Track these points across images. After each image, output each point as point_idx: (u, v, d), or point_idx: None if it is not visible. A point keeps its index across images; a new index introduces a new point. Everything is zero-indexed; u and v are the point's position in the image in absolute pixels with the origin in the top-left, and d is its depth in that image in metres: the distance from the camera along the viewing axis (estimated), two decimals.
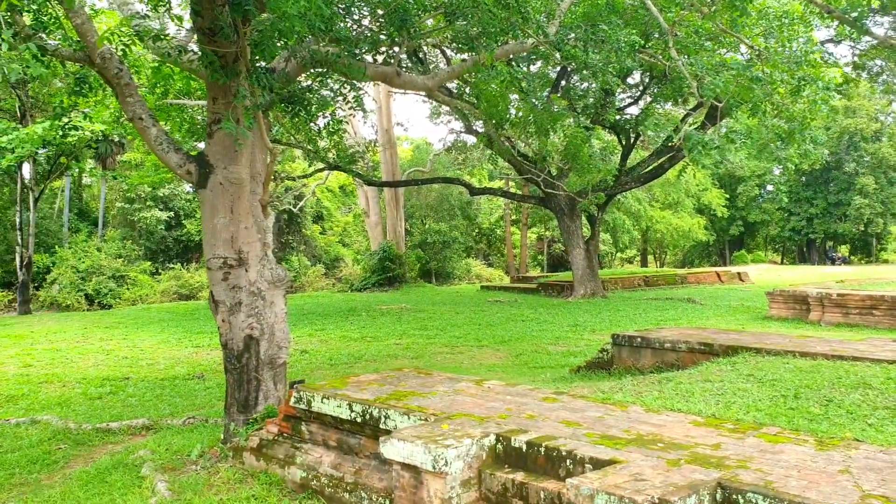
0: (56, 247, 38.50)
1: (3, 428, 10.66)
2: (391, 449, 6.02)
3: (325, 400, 7.56)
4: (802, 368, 9.03)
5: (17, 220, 32.69)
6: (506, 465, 6.07)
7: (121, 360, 16.51)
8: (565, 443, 5.92)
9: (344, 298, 31.67)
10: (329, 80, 11.25)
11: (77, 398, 12.69)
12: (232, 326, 8.90)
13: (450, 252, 41.36)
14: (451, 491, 5.81)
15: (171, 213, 41.53)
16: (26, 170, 33.27)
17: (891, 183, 57.43)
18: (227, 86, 8.60)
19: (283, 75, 9.48)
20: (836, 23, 11.95)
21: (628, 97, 31.58)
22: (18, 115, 31.36)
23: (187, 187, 40.63)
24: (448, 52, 24.92)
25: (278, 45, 9.15)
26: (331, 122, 10.88)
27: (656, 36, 16.14)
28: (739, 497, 4.88)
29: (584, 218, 30.33)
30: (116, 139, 36.77)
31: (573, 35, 12.82)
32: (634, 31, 12.64)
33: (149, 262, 39.93)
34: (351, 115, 16.60)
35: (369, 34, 11.21)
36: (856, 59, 31.27)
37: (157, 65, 12.28)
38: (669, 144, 25.44)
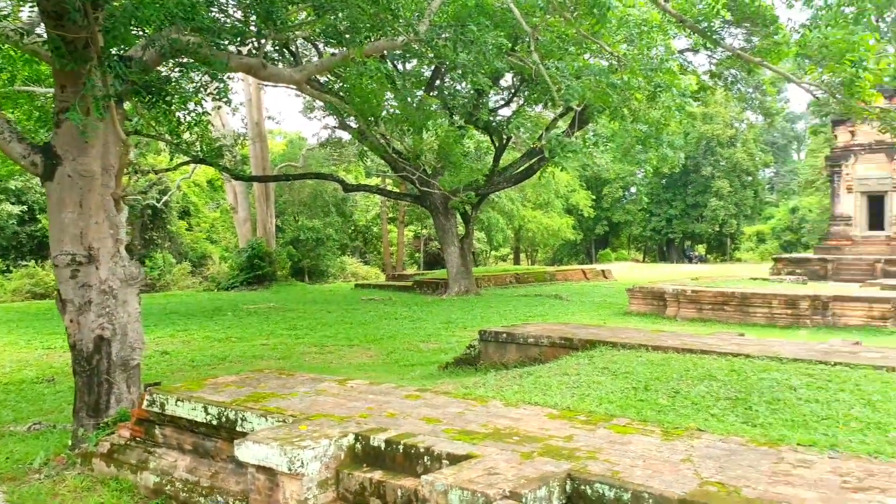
0: None
1: None
2: (246, 452, 5.86)
3: (179, 402, 7.27)
4: (654, 361, 9.45)
5: None
6: (364, 465, 6.03)
7: None
8: (423, 439, 5.93)
9: (210, 297, 30.67)
10: (191, 71, 10.83)
11: None
12: (81, 327, 8.43)
13: (324, 250, 40.85)
14: (307, 492, 5.71)
15: (25, 207, 38.96)
16: None
17: (743, 186, 61.29)
18: (76, 73, 8.12)
19: (140, 64, 9.02)
20: (691, 32, 12.59)
21: (501, 99, 32.23)
22: None
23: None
24: (320, 46, 24.60)
25: (134, 32, 8.73)
26: (193, 114, 10.47)
27: (526, 40, 16.51)
28: (587, 487, 5.04)
29: (458, 216, 30.69)
30: None
31: (445, 35, 12.93)
32: (503, 34, 12.86)
33: None
34: (217, 106, 16.08)
35: (234, 24, 10.89)
36: (712, 68, 33.17)
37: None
38: (537, 146, 26.14)
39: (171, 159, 26.37)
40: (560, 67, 11.84)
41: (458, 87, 27.39)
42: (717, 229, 61.07)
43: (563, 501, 5.06)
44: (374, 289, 33.30)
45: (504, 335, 12.01)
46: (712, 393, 7.85)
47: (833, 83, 10.22)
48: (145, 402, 7.62)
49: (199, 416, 7.06)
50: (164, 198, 38.51)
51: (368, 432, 6.13)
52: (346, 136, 31.17)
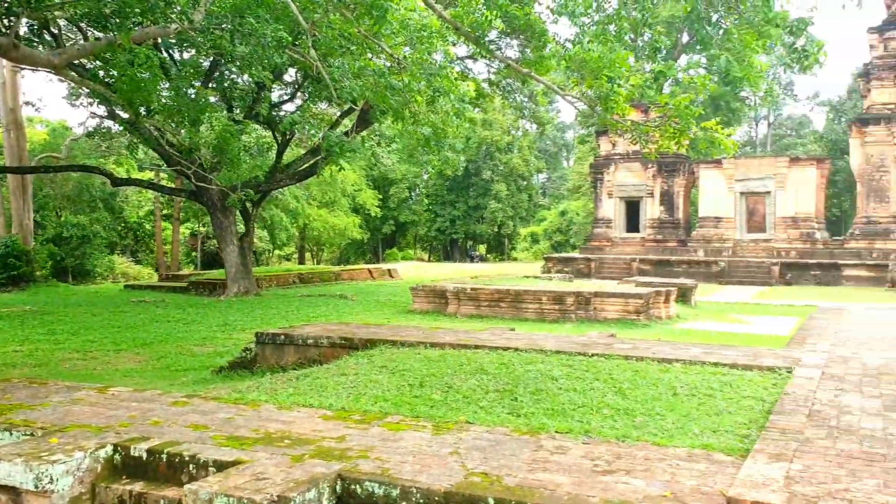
0: None
1: None
2: None
3: None
4: (431, 358, 9.69)
5: None
6: (125, 477, 5.65)
7: None
8: (189, 447, 5.65)
9: None
10: None
11: None
12: None
13: (90, 248, 37.83)
14: None
15: None
16: None
17: (519, 190, 64.86)
18: None
19: None
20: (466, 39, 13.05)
21: (285, 94, 31.62)
22: None
23: None
24: (86, 30, 22.77)
25: None
26: None
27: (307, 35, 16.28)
28: (357, 486, 5.04)
29: (238, 214, 29.69)
30: None
31: (224, 25, 12.43)
32: (283, 28, 12.58)
33: None
34: None
35: None
36: (491, 76, 34.74)
37: None
38: (315, 144, 25.94)
39: None
40: (341, 66, 11.80)
41: (238, 80, 26.51)
42: (496, 230, 64.09)
43: (334, 502, 5.03)
44: (147, 290, 31.38)
45: (282, 337, 11.77)
46: (482, 386, 8.18)
47: (592, 97, 11.01)
48: None
49: None
50: None
51: (129, 442, 5.73)
52: (116, 126, 29.05)
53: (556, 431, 6.38)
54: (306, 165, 29.00)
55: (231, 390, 8.46)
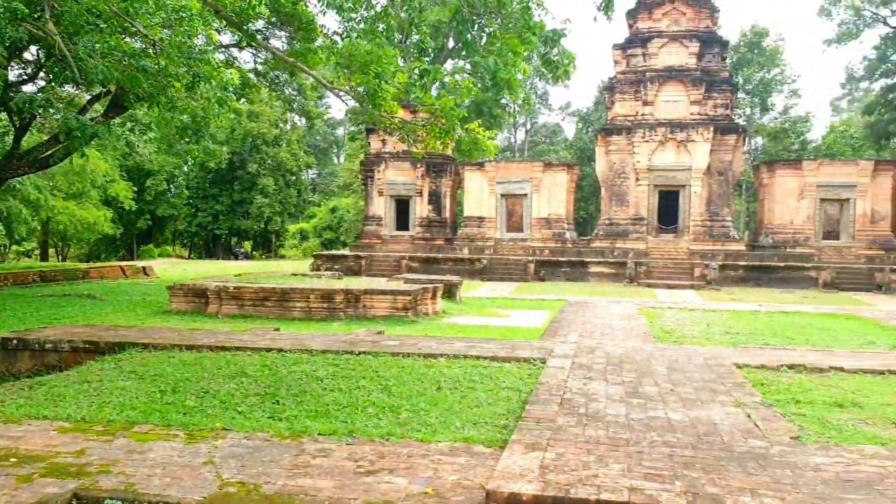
0: None
1: None
2: None
3: None
4: (186, 361, 9.09)
5: None
6: None
7: None
8: None
9: None
10: None
11: None
12: None
13: None
14: None
15: None
16: None
17: (288, 185, 63.62)
18: None
19: None
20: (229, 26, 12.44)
21: (25, 74, 28.46)
22: None
23: None
24: None
25: None
26: None
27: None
28: None
29: None
30: None
31: None
32: None
33: None
34: None
35: None
36: (258, 66, 33.68)
37: None
38: (55, 128, 23.63)
39: None
40: (87, 44, 10.75)
41: None
42: (263, 226, 62.40)
43: None
44: None
45: (15, 341, 10.50)
46: (242, 390, 7.79)
47: (361, 92, 10.94)
48: None
49: None
50: None
51: None
52: None
53: (320, 433, 6.20)
54: (49, 152, 26.31)
55: None
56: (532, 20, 8.35)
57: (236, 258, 61.43)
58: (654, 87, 35.05)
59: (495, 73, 8.04)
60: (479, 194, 37.91)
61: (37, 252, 54.39)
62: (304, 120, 61.61)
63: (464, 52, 9.04)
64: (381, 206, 40.26)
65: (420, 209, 39.68)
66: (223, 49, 27.49)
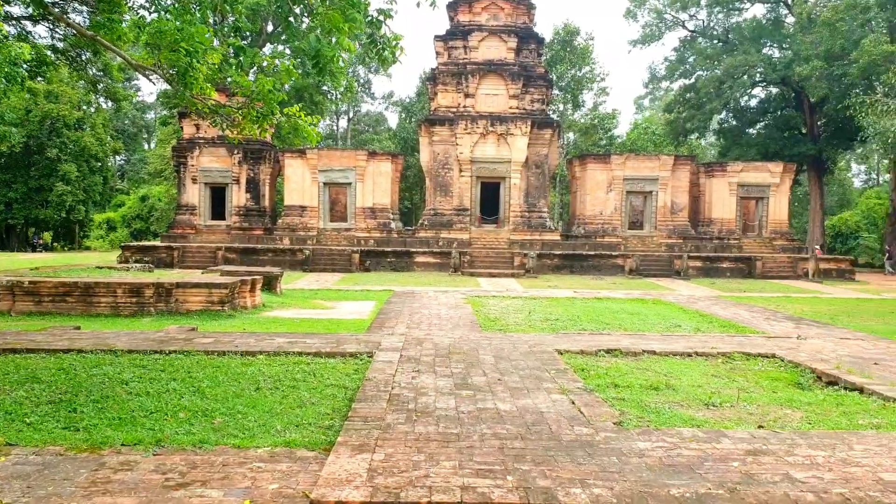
0: None
1: None
2: None
3: None
4: None
5: None
6: None
7: None
8: None
9: None
10: None
11: None
12: None
13: None
14: None
15: None
16: None
17: (92, 171, 59.10)
18: None
19: None
20: None
21: None
22: None
23: None
24: None
25: None
26: None
27: None
28: None
29: None
30: None
31: None
32: None
33: None
34: None
35: None
36: (56, 42, 30.88)
37: None
38: None
39: None
40: None
41: None
42: (65, 215, 57.64)
43: None
44: None
45: None
46: (33, 398, 6.92)
47: (171, 72, 10.11)
48: None
49: None
50: None
51: None
52: None
53: (123, 444, 5.57)
54: None
55: None
56: None
57: (34, 250, 56.43)
58: (474, 80, 35.72)
59: (317, 52, 7.61)
60: (301, 182, 37.03)
61: None
62: (110, 102, 57.51)
63: (284, 37, 8.56)
64: (196, 195, 38.36)
65: (237, 197, 38.19)
66: (14, 21, 24.96)
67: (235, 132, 10.42)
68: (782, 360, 9.65)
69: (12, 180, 55.71)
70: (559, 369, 8.48)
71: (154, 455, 5.35)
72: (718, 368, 9.16)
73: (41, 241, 61.03)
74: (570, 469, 4.90)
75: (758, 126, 49.04)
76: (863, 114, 22.12)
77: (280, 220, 37.53)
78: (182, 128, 39.83)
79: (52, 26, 27.67)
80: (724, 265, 33.45)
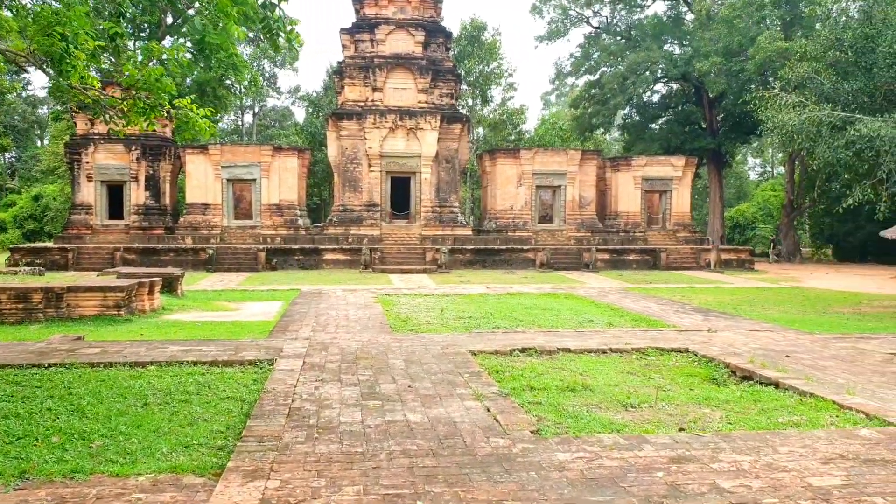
0: None
1: None
2: None
3: None
4: None
5: None
6: None
7: None
8: None
9: None
10: None
11: None
12: None
13: None
14: None
15: None
16: None
17: None
18: None
19: None
20: None
21: None
22: None
23: None
24: None
25: None
26: None
27: None
28: None
29: None
30: None
31: None
32: None
33: None
34: None
35: None
36: None
37: None
38: None
39: None
40: None
41: None
42: None
43: None
44: None
45: None
46: None
47: (44, 58, 9.21)
48: None
49: None
50: None
51: None
52: None
53: None
54: None
55: None
56: None
57: None
58: (382, 74, 35.14)
59: (202, 38, 6.97)
60: (203, 179, 35.63)
61: None
62: None
63: (184, 30, 7.88)
64: (91, 193, 36.43)
65: (136, 196, 36.47)
66: None
67: (121, 125, 9.61)
68: (696, 355, 9.57)
69: None
70: (473, 372, 8.11)
71: (15, 490, 4.69)
72: (633, 365, 8.98)
73: None
74: (487, 489, 4.50)
75: (660, 121, 50.23)
76: (762, 108, 22.63)
77: (182, 219, 36.03)
78: (75, 123, 37.77)
79: None
80: (631, 257, 34.00)
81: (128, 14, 9.73)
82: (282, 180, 35.53)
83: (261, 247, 32.80)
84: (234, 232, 35.19)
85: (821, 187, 40.41)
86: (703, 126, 47.03)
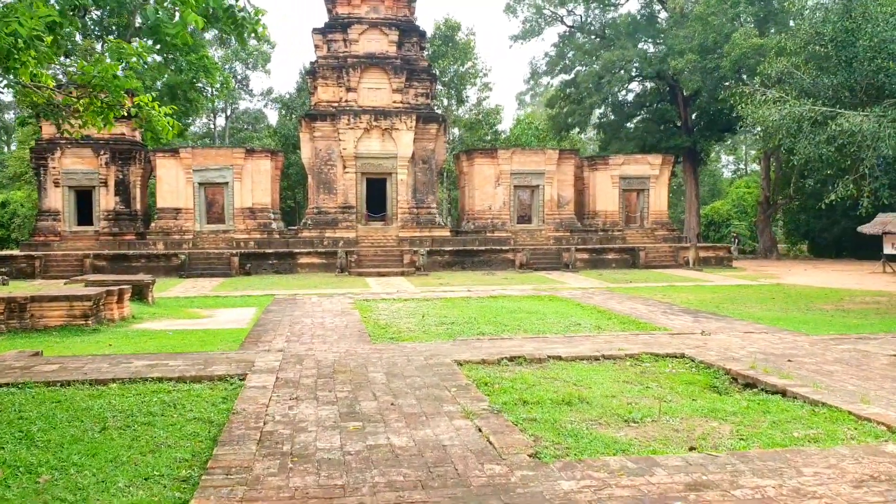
0: None
1: None
2: None
3: None
4: None
5: None
6: None
7: None
8: None
9: None
10: None
11: None
12: None
13: None
14: None
15: None
16: None
17: None
18: None
19: None
20: None
21: None
22: None
23: None
24: None
25: None
26: None
27: None
28: None
29: None
30: None
31: None
32: None
33: None
34: None
35: None
36: None
37: None
38: None
39: None
40: None
41: None
42: None
43: None
44: None
45: None
46: None
47: None
48: None
49: None
50: None
51: None
52: None
53: None
54: None
55: None
56: None
57: None
58: (356, 74, 34.52)
59: (156, 27, 6.40)
60: (175, 183, 34.77)
61: None
62: None
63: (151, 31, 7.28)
64: (59, 199, 35.45)
65: (106, 201, 35.53)
66: None
67: (76, 126, 8.97)
68: (693, 361, 9.11)
69: None
70: (460, 385, 7.57)
71: None
72: (629, 373, 8.50)
73: None
74: None
75: (635, 120, 50.07)
76: (741, 104, 22.32)
77: (153, 224, 35.15)
78: (41, 127, 36.75)
79: None
80: (610, 256, 33.66)
81: (90, 11, 9.08)
82: (255, 183, 34.77)
83: (234, 251, 32.04)
84: (206, 237, 34.38)
85: (796, 183, 40.45)
86: (679, 124, 46.91)
